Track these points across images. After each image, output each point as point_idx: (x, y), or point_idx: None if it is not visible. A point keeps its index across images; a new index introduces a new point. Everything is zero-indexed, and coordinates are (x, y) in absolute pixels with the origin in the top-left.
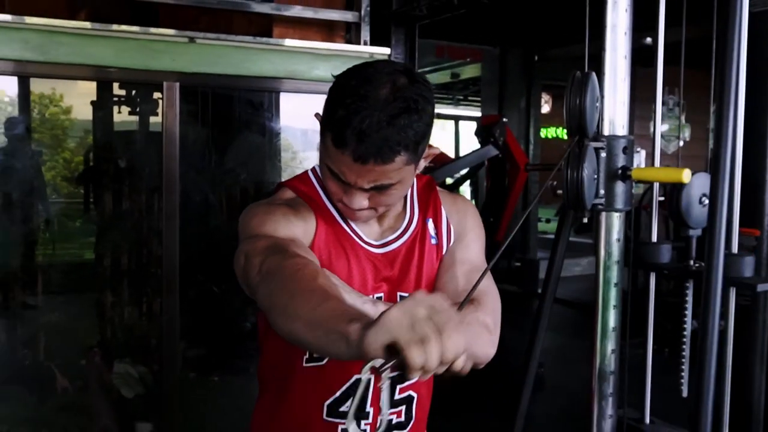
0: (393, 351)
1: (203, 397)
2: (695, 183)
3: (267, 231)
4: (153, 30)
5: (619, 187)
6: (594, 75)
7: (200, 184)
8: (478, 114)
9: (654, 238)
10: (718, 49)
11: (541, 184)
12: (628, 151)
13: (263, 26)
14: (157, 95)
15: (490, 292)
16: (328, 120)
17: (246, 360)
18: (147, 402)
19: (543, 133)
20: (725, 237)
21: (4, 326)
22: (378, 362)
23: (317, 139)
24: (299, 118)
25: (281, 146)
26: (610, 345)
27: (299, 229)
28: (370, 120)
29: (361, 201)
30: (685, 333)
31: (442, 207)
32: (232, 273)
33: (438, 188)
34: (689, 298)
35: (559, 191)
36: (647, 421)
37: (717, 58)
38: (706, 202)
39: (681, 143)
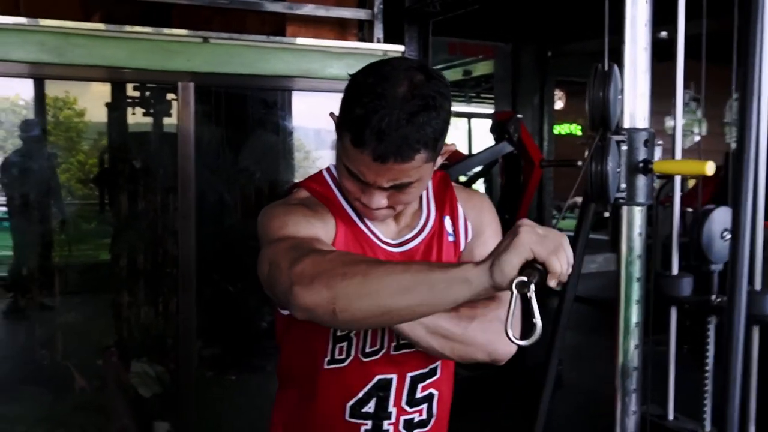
0: (529, 266)
1: (220, 396)
2: (716, 218)
3: (289, 233)
4: (167, 30)
5: (641, 180)
6: (616, 68)
7: (215, 184)
8: (491, 111)
9: (675, 270)
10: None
11: (555, 180)
12: (649, 144)
13: (276, 25)
14: (170, 96)
15: None
16: (345, 119)
17: (263, 358)
18: (164, 401)
19: (556, 129)
20: (748, 273)
21: (23, 327)
22: (521, 279)
23: (329, 138)
24: (313, 117)
25: (295, 145)
26: (633, 341)
27: (320, 230)
28: (389, 118)
29: (379, 200)
30: (707, 369)
31: (459, 203)
32: (247, 271)
33: (453, 184)
34: (711, 334)
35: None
36: (671, 417)
37: (738, 76)
38: (728, 236)
39: (697, 138)
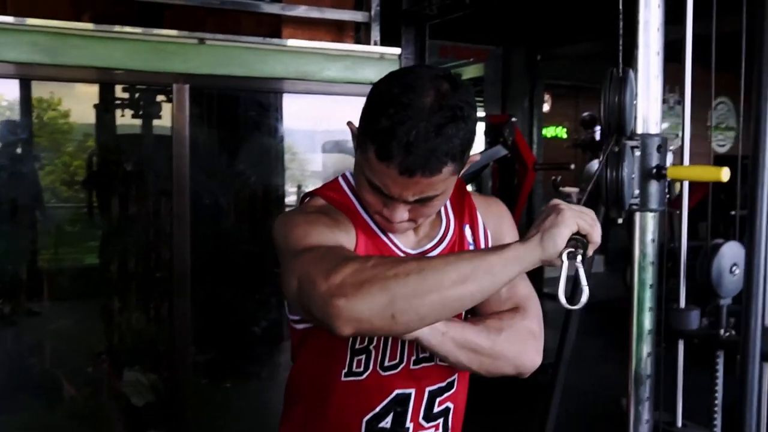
0: (573, 239)
1: (216, 404)
2: (726, 252)
3: (313, 242)
4: (163, 31)
5: (653, 186)
6: (632, 72)
7: (210, 187)
8: (481, 114)
9: (682, 303)
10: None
11: (546, 183)
12: (662, 149)
13: (272, 27)
14: (160, 98)
15: (531, 297)
16: (369, 131)
17: (258, 365)
18: (158, 410)
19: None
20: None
21: (11, 334)
22: (569, 250)
23: (327, 140)
24: (310, 120)
25: (291, 148)
26: (646, 348)
27: (343, 239)
28: (416, 131)
29: (402, 214)
30: (716, 404)
31: (477, 212)
32: (243, 275)
33: (470, 191)
34: (720, 368)
35: (563, 188)
36: (679, 424)
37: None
38: (737, 271)
39: (681, 142)
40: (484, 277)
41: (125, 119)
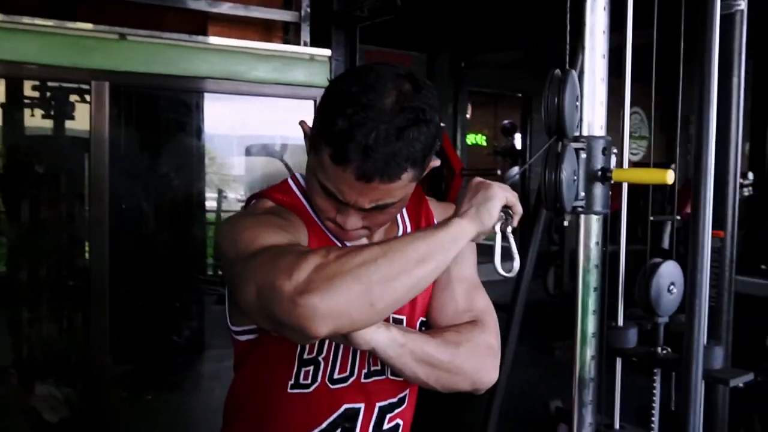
0: (503, 211)
1: (137, 418)
2: (664, 272)
3: (265, 243)
4: (81, 25)
5: (598, 189)
6: (574, 73)
7: (130, 191)
8: None
9: (620, 321)
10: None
11: None
12: (607, 152)
13: (197, 25)
14: (74, 97)
15: (489, 310)
16: (324, 132)
17: (180, 376)
18: (74, 426)
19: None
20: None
21: None
22: (501, 221)
23: (253, 143)
24: (238, 122)
25: (215, 151)
26: (590, 351)
27: (297, 238)
28: (376, 133)
29: (356, 221)
30: (653, 420)
31: (435, 220)
32: (163, 283)
33: (427, 198)
34: (657, 386)
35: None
36: (617, 426)
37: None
38: (674, 290)
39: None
40: (439, 253)
41: (36, 119)
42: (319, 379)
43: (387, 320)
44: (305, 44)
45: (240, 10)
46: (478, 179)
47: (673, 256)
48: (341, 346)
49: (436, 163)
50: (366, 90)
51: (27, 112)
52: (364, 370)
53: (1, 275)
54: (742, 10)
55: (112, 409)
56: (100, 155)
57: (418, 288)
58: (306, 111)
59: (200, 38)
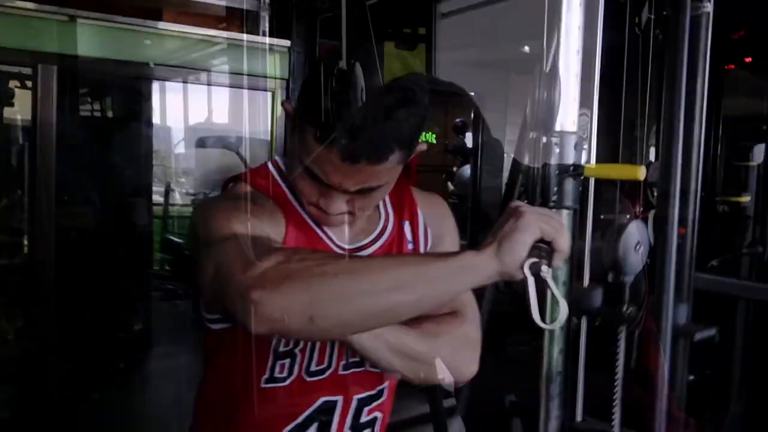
0: (536, 247)
1: (83, 418)
2: (631, 231)
3: (236, 230)
4: (26, 4)
5: (570, 184)
6: (560, 69)
7: (77, 181)
8: None
9: (586, 282)
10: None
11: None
12: (579, 147)
13: (152, 10)
14: (13, 83)
15: (470, 301)
16: (308, 111)
17: (129, 373)
18: (15, 427)
19: None
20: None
21: None
22: (532, 260)
23: (209, 132)
24: (194, 111)
25: (170, 139)
26: (557, 345)
27: (270, 229)
28: (363, 113)
29: (341, 205)
30: (617, 378)
31: (419, 208)
32: (110, 277)
33: (411, 187)
34: (621, 344)
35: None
36: (579, 419)
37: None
38: (641, 249)
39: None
40: (425, 286)
41: None
42: (296, 372)
43: None
44: (264, 34)
45: None
46: (516, 203)
47: None
48: None
49: (423, 147)
50: (353, 68)
51: None
52: (342, 362)
53: None
54: (708, 12)
55: (56, 410)
56: (46, 144)
57: (381, 318)
58: (264, 103)
59: (155, 23)
